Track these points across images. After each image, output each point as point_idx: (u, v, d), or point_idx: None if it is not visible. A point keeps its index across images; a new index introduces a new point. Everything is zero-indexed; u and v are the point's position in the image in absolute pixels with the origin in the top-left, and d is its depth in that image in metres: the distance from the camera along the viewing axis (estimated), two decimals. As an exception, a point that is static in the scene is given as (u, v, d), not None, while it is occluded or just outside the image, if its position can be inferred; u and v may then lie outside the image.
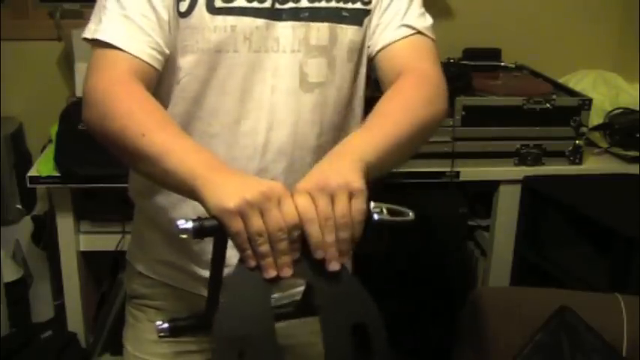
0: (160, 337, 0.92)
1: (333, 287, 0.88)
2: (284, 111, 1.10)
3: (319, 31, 1.10)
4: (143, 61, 1.03)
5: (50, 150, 2.03)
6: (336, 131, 1.17)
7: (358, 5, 1.13)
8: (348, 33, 1.12)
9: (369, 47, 1.17)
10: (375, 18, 1.15)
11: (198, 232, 0.86)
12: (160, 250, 1.23)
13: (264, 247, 0.84)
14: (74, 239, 2.05)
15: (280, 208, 0.85)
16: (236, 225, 0.84)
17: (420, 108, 1.05)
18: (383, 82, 1.15)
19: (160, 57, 1.06)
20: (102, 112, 1.00)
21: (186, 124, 1.11)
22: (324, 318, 0.88)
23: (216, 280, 0.90)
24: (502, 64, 2.44)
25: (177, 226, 0.86)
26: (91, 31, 1.05)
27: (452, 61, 2.33)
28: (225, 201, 0.84)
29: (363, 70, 1.19)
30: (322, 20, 1.10)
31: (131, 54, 1.03)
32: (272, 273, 0.85)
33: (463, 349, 1.75)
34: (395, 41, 1.14)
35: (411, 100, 1.06)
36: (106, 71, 1.03)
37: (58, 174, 1.94)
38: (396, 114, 1.03)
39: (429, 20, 1.18)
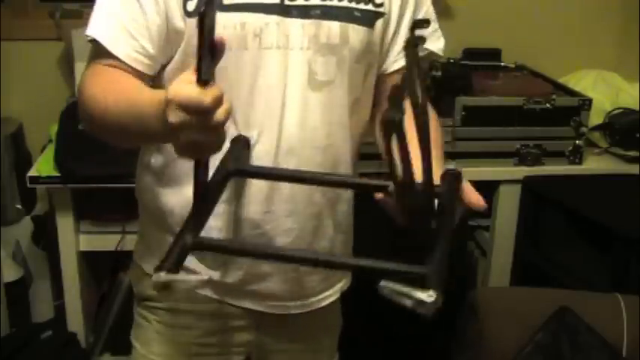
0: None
1: None
2: (293, 109, 1.10)
3: (330, 29, 1.09)
4: (126, 64, 1.05)
5: (50, 150, 2.03)
6: (345, 131, 1.16)
7: (370, 7, 1.12)
8: (360, 33, 1.11)
9: (380, 64, 1.18)
10: (391, 25, 1.15)
11: (177, 263, 0.85)
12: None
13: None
14: (74, 239, 2.05)
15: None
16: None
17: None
18: (378, 100, 1.20)
19: (146, 61, 1.07)
20: (86, 116, 1.06)
21: None
22: None
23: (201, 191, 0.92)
24: (502, 64, 2.44)
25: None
26: (88, 28, 1.08)
27: (452, 61, 2.33)
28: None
29: (373, 73, 1.18)
30: (334, 19, 1.09)
31: (115, 56, 1.05)
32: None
33: (463, 349, 1.76)
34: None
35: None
36: (88, 69, 1.09)
37: (58, 174, 1.94)
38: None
39: (441, 39, 1.21)
